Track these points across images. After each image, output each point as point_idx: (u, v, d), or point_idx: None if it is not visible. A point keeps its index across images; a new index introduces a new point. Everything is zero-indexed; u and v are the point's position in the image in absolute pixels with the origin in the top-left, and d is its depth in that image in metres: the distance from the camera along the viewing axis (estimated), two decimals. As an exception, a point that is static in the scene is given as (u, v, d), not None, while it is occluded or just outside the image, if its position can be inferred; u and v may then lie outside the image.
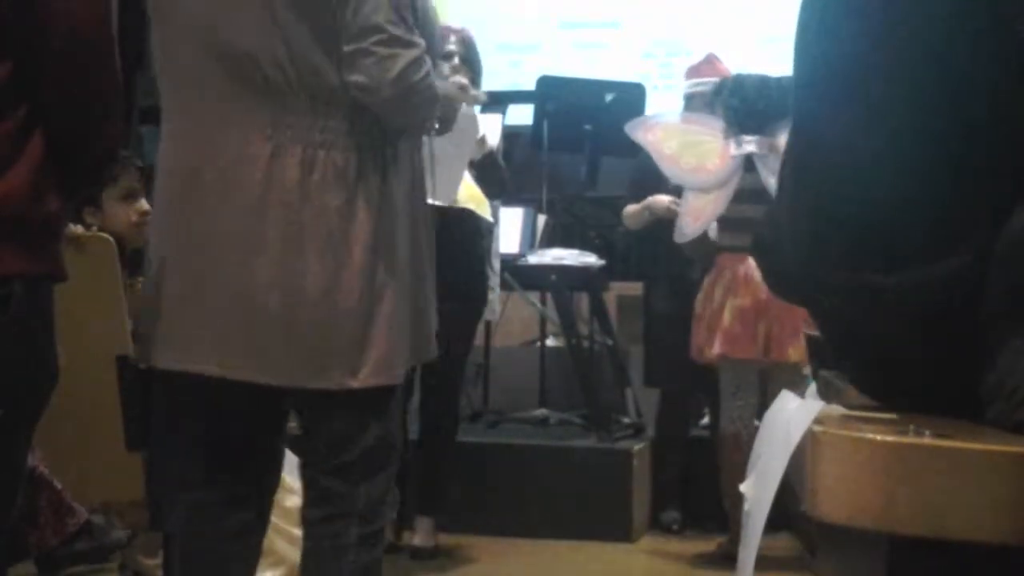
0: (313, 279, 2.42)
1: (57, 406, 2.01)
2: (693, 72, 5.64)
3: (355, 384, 2.48)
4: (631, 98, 6.25)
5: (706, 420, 5.92)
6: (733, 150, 4.76)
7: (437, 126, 2.71)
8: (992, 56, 1.39)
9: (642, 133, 5.02)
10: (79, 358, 2.46)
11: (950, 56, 1.41)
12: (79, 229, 3.69)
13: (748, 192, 4.73)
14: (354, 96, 2.46)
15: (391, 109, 2.50)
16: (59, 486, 4.02)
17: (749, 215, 4.60)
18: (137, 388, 3.63)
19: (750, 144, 4.73)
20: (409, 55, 2.46)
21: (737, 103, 4.78)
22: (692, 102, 5.49)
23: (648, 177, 5.29)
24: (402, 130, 2.56)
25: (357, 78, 2.44)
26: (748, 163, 4.77)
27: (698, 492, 5.54)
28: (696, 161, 4.83)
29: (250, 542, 2.65)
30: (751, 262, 4.42)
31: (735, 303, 4.68)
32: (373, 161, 2.48)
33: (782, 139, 4.42)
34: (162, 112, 2.61)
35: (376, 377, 2.50)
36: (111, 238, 3.70)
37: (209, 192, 2.45)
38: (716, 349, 4.73)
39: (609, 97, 6.22)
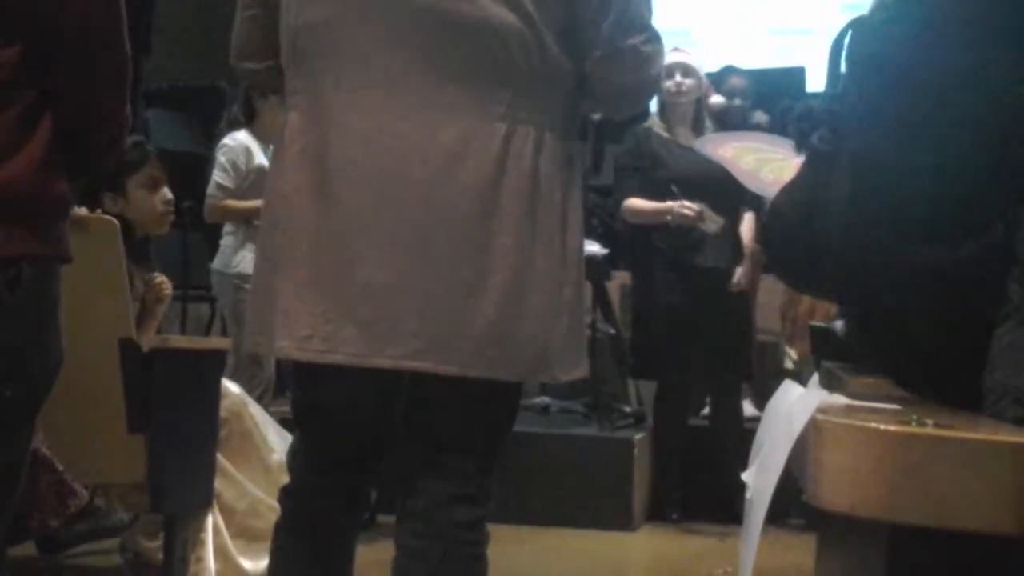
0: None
1: (59, 388, 2.00)
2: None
3: (564, 377, 2.41)
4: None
5: (707, 411, 5.94)
6: None
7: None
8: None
9: (712, 148, 5.29)
10: (81, 340, 2.45)
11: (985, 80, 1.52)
12: (83, 211, 3.69)
13: None
14: (596, 89, 2.36)
15: (633, 103, 2.46)
16: (60, 467, 4.03)
17: None
18: (139, 371, 3.64)
19: None
20: (660, 50, 2.37)
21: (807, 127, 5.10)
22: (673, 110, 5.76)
23: (641, 160, 5.65)
24: (626, 107, 2.52)
25: (620, 78, 2.34)
26: None
27: (698, 482, 5.55)
28: (774, 176, 5.02)
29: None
30: None
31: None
32: (576, 146, 2.40)
33: None
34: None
35: (577, 370, 2.44)
36: (115, 220, 3.70)
37: (424, 178, 2.23)
38: None
39: (615, 86, 6.23)
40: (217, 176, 5.36)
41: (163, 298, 4.12)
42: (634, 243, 5.79)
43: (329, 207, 2.25)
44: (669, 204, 5.47)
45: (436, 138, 2.21)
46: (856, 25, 1.80)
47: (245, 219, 5.27)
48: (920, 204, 1.54)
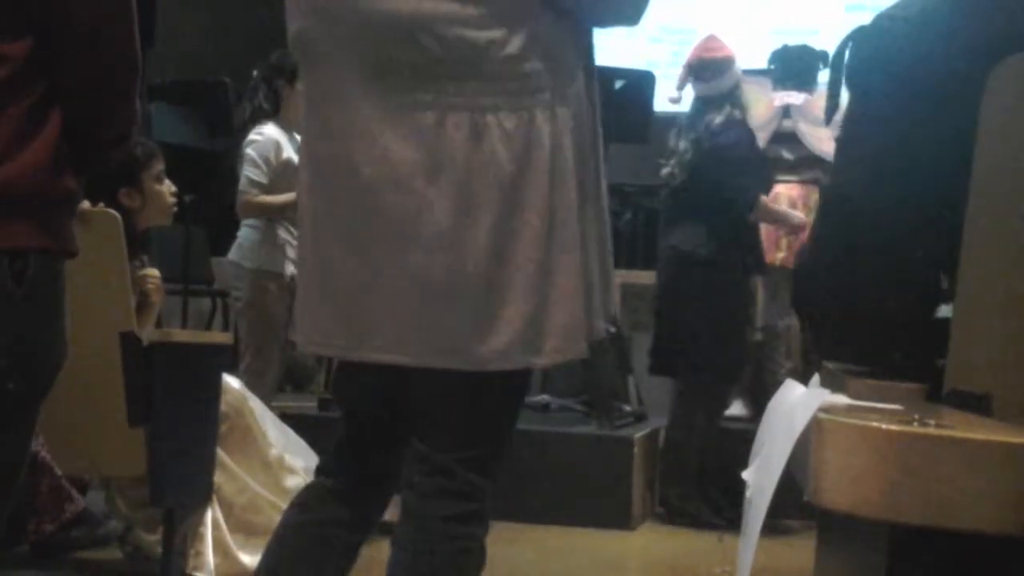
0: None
1: (60, 381, 2.00)
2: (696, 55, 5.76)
3: (538, 361, 2.32)
4: (640, 85, 6.26)
5: (734, 411, 5.96)
6: (776, 101, 5.94)
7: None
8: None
9: None
10: (82, 333, 2.45)
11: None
12: (86, 204, 3.69)
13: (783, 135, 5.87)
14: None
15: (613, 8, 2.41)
16: (59, 472, 4.03)
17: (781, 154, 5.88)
18: (140, 365, 3.64)
19: (789, 97, 5.90)
20: None
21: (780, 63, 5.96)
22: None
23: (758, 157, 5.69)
24: (599, 20, 2.44)
25: None
26: (785, 112, 5.92)
27: (708, 481, 5.56)
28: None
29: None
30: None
31: None
32: (542, 123, 2.31)
33: (819, 94, 5.53)
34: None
35: (559, 353, 2.32)
36: (116, 214, 3.71)
37: (371, 173, 2.32)
38: None
39: (618, 84, 6.22)
40: (248, 171, 5.22)
41: (149, 291, 4.12)
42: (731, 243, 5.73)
43: (316, 207, 2.39)
44: (787, 210, 5.66)
45: (377, 138, 2.29)
46: (858, 37, 1.81)
47: (280, 213, 5.20)
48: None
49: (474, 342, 2.28)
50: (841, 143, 2.04)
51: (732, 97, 5.60)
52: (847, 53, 1.92)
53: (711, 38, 5.77)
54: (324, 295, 2.37)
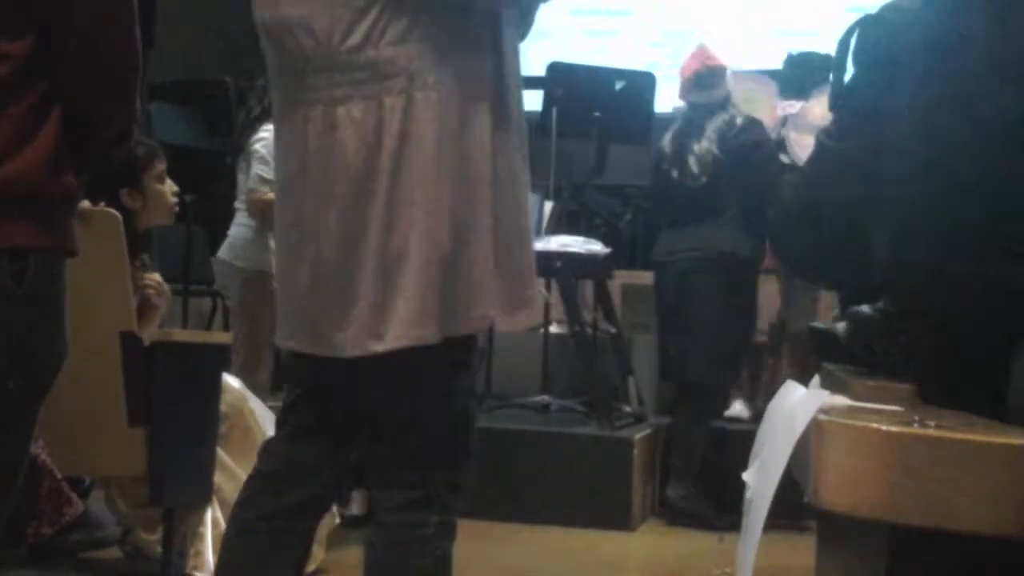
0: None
1: (60, 381, 2.00)
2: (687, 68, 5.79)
3: (379, 347, 2.30)
4: (641, 87, 6.26)
5: (734, 411, 5.98)
6: (779, 111, 5.91)
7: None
8: None
9: None
10: (82, 333, 2.45)
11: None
12: (86, 204, 3.69)
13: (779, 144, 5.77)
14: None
15: None
16: (59, 475, 4.03)
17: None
18: (140, 364, 3.64)
19: (791, 107, 5.86)
20: None
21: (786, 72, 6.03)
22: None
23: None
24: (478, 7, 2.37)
25: None
26: (783, 121, 5.86)
27: (708, 482, 5.56)
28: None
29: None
30: None
31: None
32: (394, 110, 2.31)
33: (814, 102, 5.51)
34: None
35: (401, 339, 2.30)
36: (117, 213, 3.71)
37: (282, 172, 2.51)
38: None
39: (619, 85, 6.22)
40: (258, 169, 5.21)
41: (150, 295, 4.11)
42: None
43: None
44: None
45: (291, 139, 2.40)
46: (865, 24, 1.80)
47: None
48: (967, 214, 1.55)
49: (334, 329, 2.35)
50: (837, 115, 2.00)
51: (728, 102, 5.67)
52: (854, 38, 1.91)
53: (704, 47, 5.81)
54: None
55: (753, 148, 5.54)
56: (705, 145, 5.57)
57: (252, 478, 2.56)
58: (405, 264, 2.30)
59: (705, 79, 5.65)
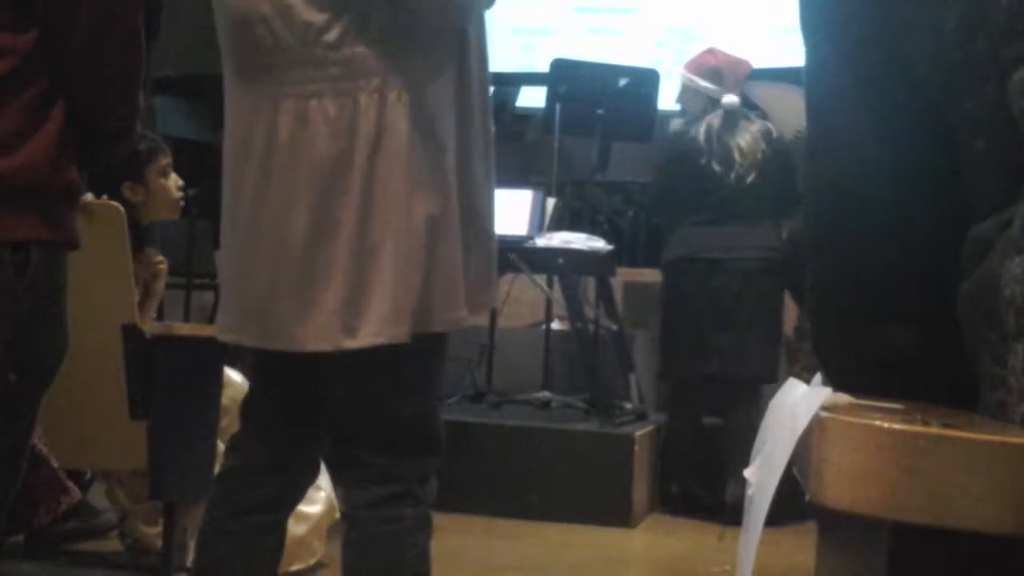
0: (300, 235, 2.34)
1: (61, 373, 2.01)
2: (691, 64, 5.72)
3: (352, 344, 2.31)
4: (644, 84, 6.25)
5: None
6: None
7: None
8: None
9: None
10: (84, 326, 2.45)
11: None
12: (89, 197, 3.70)
13: None
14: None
15: (443, 15, 2.35)
16: (56, 464, 4.03)
17: None
18: (142, 357, 3.64)
19: None
20: None
21: None
22: (686, 94, 5.67)
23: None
24: (441, 30, 2.38)
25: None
26: None
27: (704, 480, 5.56)
28: None
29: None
30: None
31: None
32: (369, 107, 2.32)
33: None
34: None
35: (377, 336, 2.31)
36: (120, 207, 3.71)
37: (234, 162, 2.43)
38: None
39: (623, 82, 6.22)
40: None
41: (159, 273, 4.13)
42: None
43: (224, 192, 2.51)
44: None
45: (238, 127, 2.40)
46: None
47: None
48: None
49: (295, 324, 2.33)
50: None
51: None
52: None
53: (717, 50, 5.78)
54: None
55: (792, 151, 5.49)
56: (750, 143, 5.54)
57: (222, 475, 2.55)
58: (380, 260, 2.31)
59: (737, 77, 5.65)
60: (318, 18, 2.31)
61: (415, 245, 2.32)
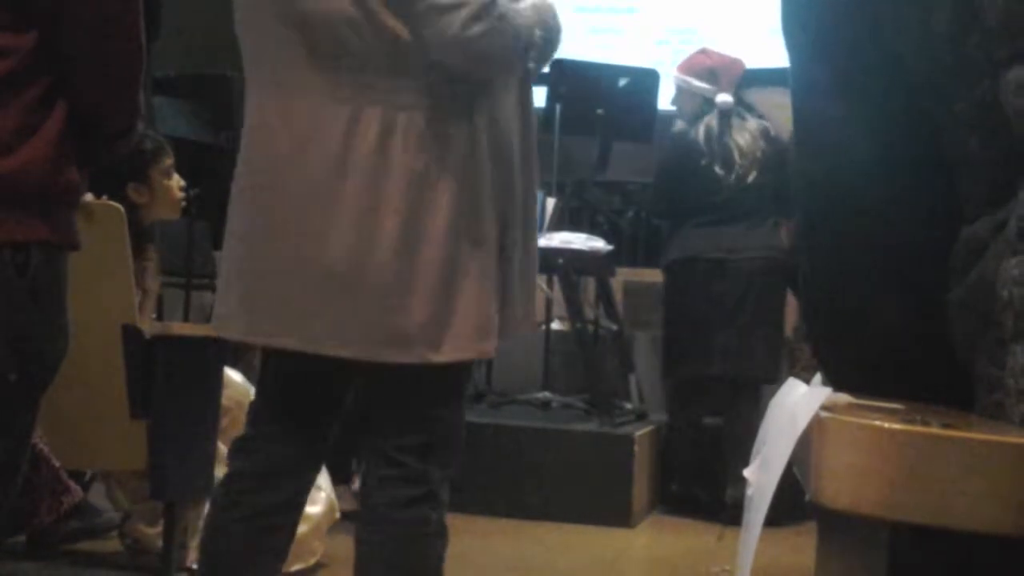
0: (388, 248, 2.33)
1: (62, 373, 2.01)
2: (685, 66, 5.72)
3: (437, 359, 2.34)
4: (644, 84, 6.25)
5: None
6: None
7: (533, 62, 2.49)
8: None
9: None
10: (84, 326, 2.46)
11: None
12: (89, 197, 3.70)
13: None
14: (430, 53, 2.32)
15: (463, 63, 2.34)
16: (57, 464, 4.03)
17: None
18: (142, 358, 3.64)
19: None
20: (496, 26, 2.31)
21: None
22: (681, 96, 5.69)
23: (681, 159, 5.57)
24: (485, 80, 2.40)
25: (427, 32, 2.30)
26: None
27: (705, 479, 5.56)
28: None
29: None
30: None
31: None
32: (458, 124, 2.35)
33: None
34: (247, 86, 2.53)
35: (463, 352, 2.36)
36: (120, 207, 3.71)
37: (286, 163, 2.38)
38: None
39: (623, 82, 6.22)
40: None
41: (147, 268, 4.13)
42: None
43: (242, 191, 2.54)
44: None
45: (291, 126, 2.36)
46: None
47: None
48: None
49: (375, 334, 2.34)
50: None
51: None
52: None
53: (710, 51, 5.79)
54: (230, 281, 2.46)
55: (785, 153, 5.48)
56: (749, 142, 5.54)
57: (229, 478, 2.54)
58: (465, 279, 2.35)
59: (739, 79, 5.64)
60: (404, 31, 2.30)
61: (490, 264, 2.38)
